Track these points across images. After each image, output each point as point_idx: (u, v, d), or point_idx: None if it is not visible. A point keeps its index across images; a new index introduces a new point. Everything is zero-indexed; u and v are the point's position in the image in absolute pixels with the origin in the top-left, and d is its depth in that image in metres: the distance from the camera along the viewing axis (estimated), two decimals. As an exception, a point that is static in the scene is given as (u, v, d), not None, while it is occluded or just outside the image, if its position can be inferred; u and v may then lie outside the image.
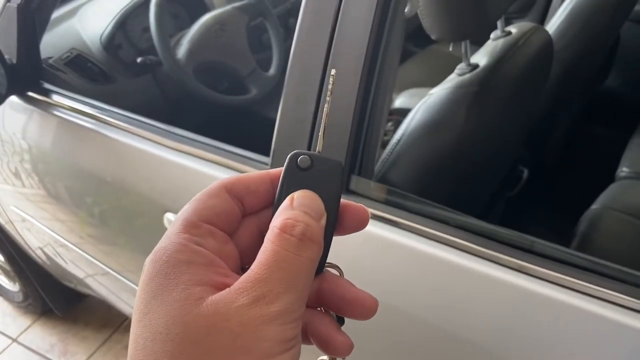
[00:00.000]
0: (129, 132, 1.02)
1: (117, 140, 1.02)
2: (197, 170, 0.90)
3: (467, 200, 1.02)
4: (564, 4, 1.29)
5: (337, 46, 0.71)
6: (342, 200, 0.30)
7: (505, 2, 0.89)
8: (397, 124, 0.99)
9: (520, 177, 1.43)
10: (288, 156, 0.30)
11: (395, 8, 0.69)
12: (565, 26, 1.27)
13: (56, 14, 1.41)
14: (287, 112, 0.78)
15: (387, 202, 0.76)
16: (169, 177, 0.96)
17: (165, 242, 0.28)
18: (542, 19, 1.86)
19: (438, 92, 0.91)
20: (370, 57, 0.71)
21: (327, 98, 0.32)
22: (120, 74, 1.44)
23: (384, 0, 0.67)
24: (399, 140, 0.90)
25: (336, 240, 0.30)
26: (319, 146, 0.31)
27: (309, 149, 0.78)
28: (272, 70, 1.50)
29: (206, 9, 1.56)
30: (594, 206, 1.15)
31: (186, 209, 0.29)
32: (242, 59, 1.47)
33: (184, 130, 0.97)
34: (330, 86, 0.33)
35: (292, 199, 0.29)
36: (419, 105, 0.91)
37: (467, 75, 0.90)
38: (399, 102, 1.57)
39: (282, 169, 0.30)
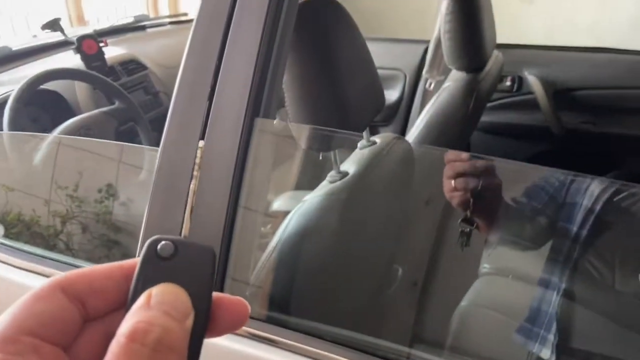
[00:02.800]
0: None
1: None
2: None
3: (346, 304, 1.01)
4: (421, 116, 1.42)
5: (207, 156, 0.69)
6: (215, 293, 0.26)
7: (367, 118, 0.96)
8: (276, 227, 0.97)
9: (396, 275, 1.47)
10: (146, 243, 0.25)
11: (264, 120, 0.70)
12: (423, 135, 1.40)
13: None
14: (153, 221, 0.73)
15: (265, 318, 0.72)
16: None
17: None
18: (404, 126, 2.04)
19: (311, 199, 0.92)
20: (241, 166, 0.70)
21: (195, 173, 0.28)
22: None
23: (251, 115, 0.68)
24: (274, 248, 0.89)
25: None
26: (184, 229, 0.27)
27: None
28: (142, 175, 1.44)
29: (72, 113, 1.49)
30: (462, 303, 1.20)
31: (2, 320, 0.23)
32: (110, 163, 1.40)
33: (32, 245, 0.87)
34: (198, 160, 0.29)
35: (150, 295, 0.24)
36: (292, 212, 0.91)
37: (338, 183, 0.93)
38: (277, 204, 1.58)
39: (139, 259, 0.25)
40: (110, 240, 1.36)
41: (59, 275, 0.67)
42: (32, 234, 1.35)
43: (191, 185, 0.28)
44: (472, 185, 0.91)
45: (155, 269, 0.25)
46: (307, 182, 1.12)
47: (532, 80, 1.77)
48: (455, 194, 0.92)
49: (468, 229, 1.03)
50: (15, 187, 1.38)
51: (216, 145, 0.69)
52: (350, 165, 0.99)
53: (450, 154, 0.91)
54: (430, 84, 1.86)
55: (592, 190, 1.01)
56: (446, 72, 1.72)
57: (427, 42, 1.95)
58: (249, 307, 0.27)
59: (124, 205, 1.42)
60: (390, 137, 1.12)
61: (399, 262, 1.45)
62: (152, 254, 0.25)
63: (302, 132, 0.85)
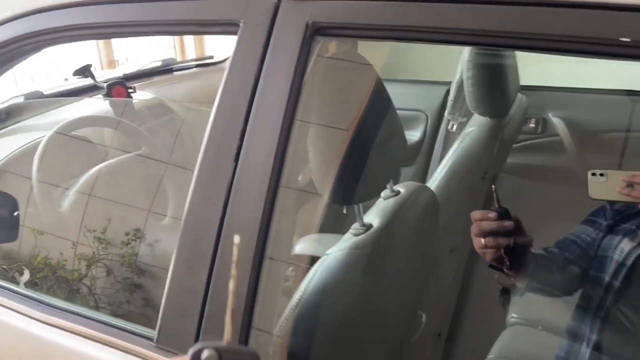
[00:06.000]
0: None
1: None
2: (66, 348, 0.80)
3: (368, 358, 0.99)
4: (444, 162, 1.41)
5: (230, 218, 0.70)
6: None
7: (392, 169, 0.96)
8: (299, 271, 0.97)
9: (420, 322, 1.44)
10: (189, 352, 0.25)
11: (288, 179, 0.71)
12: (446, 181, 1.38)
13: None
14: (177, 281, 0.73)
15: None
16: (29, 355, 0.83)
17: None
18: (426, 167, 2.03)
19: (334, 253, 0.91)
20: (266, 225, 0.70)
21: (232, 272, 0.27)
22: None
23: (277, 175, 0.68)
24: (297, 303, 0.87)
25: None
26: (226, 334, 0.27)
27: (200, 322, 0.72)
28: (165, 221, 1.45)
29: (100, 159, 1.52)
30: (490, 355, 1.16)
31: None
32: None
33: (49, 296, 0.88)
34: (234, 257, 0.28)
35: None
36: (316, 266, 0.91)
37: (362, 236, 0.92)
38: (299, 248, 1.57)
39: None
40: (133, 284, 1.36)
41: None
42: (57, 278, 1.36)
43: (230, 286, 0.27)
44: (503, 244, 0.90)
45: None
46: (329, 225, 1.12)
47: (557, 122, 1.75)
48: (487, 251, 0.92)
49: (505, 287, 1.01)
50: (44, 231, 1.40)
51: (243, 200, 0.70)
52: (374, 216, 0.99)
53: (477, 213, 0.91)
54: (453, 126, 1.85)
55: (622, 247, 0.98)
56: (468, 114, 1.71)
57: (449, 83, 1.96)
58: None
59: (149, 248, 1.42)
60: (413, 186, 1.11)
61: (423, 310, 1.42)
62: None
63: (325, 186, 0.85)
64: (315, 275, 0.89)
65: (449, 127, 1.87)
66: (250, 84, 0.68)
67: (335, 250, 0.92)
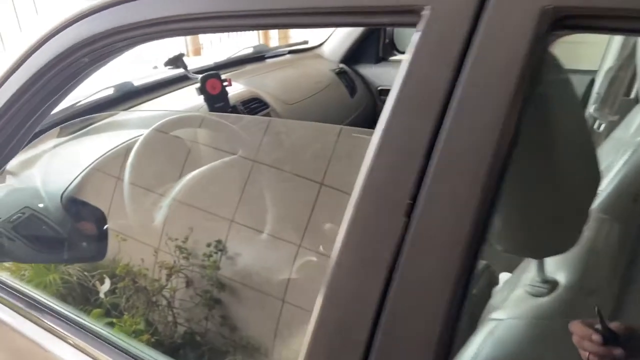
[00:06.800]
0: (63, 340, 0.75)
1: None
2: None
3: None
4: (609, 177, 1.12)
5: (396, 297, 0.47)
6: None
7: (588, 203, 0.70)
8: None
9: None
10: None
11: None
12: (613, 199, 1.09)
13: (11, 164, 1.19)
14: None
15: None
16: None
17: None
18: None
19: (508, 321, 0.67)
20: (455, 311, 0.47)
21: None
22: (81, 240, 1.19)
23: (476, 240, 0.45)
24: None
25: None
26: None
27: None
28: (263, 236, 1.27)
29: (193, 160, 1.36)
30: None
31: None
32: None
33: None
34: None
35: None
36: (483, 336, 0.67)
37: (546, 299, 0.68)
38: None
39: None
40: (212, 299, 1.23)
41: None
42: (137, 288, 1.24)
43: None
44: None
45: None
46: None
47: None
48: None
49: None
50: (134, 239, 1.28)
51: (416, 275, 0.47)
52: (555, 268, 0.73)
53: (578, 327, 0.68)
54: (600, 125, 1.53)
55: None
56: (622, 112, 1.40)
57: (592, 72, 1.64)
58: None
59: (232, 262, 1.27)
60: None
61: None
62: None
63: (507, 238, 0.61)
64: (482, 351, 0.66)
65: (595, 125, 1.55)
66: (438, 102, 0.44)
67: (507, 317, 0.68)
